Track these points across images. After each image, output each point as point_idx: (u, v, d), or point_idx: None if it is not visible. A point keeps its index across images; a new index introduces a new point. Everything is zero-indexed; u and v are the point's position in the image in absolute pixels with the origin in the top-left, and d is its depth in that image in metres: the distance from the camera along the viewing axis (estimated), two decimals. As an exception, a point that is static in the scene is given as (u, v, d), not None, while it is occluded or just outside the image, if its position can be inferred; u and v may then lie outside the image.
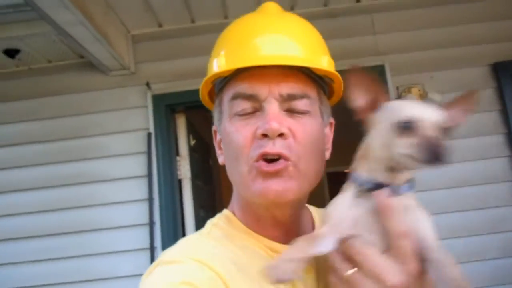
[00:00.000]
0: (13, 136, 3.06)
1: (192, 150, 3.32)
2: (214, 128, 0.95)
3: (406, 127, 0.71)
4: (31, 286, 2.86)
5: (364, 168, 0.77)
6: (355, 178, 0.78)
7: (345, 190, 0.79)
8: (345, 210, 0.75)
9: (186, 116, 3.26)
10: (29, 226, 2.93)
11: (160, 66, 3.12)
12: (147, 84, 3.03)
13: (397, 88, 3.00)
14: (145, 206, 2.91)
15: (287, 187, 0.81)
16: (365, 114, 0.78)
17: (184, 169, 3.13)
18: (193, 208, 3.14)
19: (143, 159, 2.98)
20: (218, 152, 0.94)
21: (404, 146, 0.71)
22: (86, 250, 2.88)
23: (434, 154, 0.68)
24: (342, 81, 0.90)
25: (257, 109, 0.83)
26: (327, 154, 0.93)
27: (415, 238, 0.70)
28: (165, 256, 0.80)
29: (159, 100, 3.06)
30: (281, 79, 0.83)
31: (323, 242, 0.73)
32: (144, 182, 2.95)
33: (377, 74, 3.01)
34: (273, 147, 0.80)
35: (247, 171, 0.82)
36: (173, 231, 2.93)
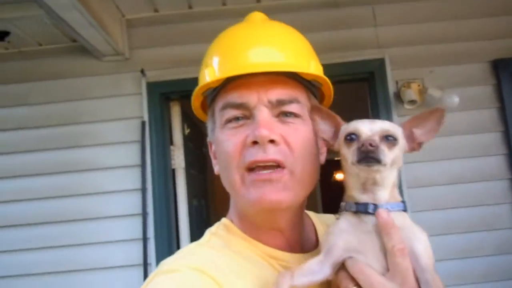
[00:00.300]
0: (2, 120, 2.96)
1: (186, 139, 3.26)
2: (208, 139, 0.97)
3: (351, 139, 0.78)
4: (21, 275, 2.81)
5: (348, 194, 0.81)
6: (343, 206, 0.81)
7: (338, 219, 0.81)
8: (336, 236, 0.78)
9: (181, 104, 3.20)
10: (18, 214, 2.87)
11: (156, 52, 3.04)
12: (142, 71, 2.95)
13: (397, 82, 2.97)
14: (138, 196, 2.86)
15: (281, 196, 0.81)
16: (334, 142, 0.84)
17: (178, 159, 3.08)
18: (187, 198, 3.10)
19: (136, 148, 2.92)
20: (214, 162, 0.95)
21: (350, 154, 0.77)
22: (78, 239, 2.83)
23: (365, 153, 0.74)
24: (330, 84, 0.92)
25: (248, 117, 0.84)
26: (322, 159, 0.93)
27: (411, 256, 0.72)
28: (164, 265, 0.80)
29: (154, 87, 2.99)
30: (269, 86, 0.84)
31: (320, 270, 0.76)
32: (137, 172, 2.89)
33: (377, 68, 2.97)
34: (265, 154, 0.80)
35: (239, 180, 0.83)
36: (167, 222, 2.89)
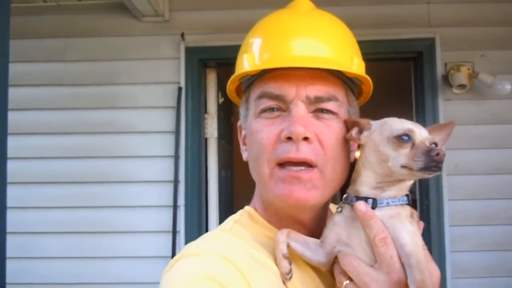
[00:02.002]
0: (38, 75, 2.91)
1: (219, 108, 3.19)
2: (239, 123, 0.95)
3: (404, 140, 0.76)
4: (51, 232, 2.82)
5: (353, 188, 0.82)
6: (345, 198, 0.82)
7: (339, 211, 0.82)
8: (329, 230, 0.81)
9: (217, 72, 3.11)
10: (53, 171, 2.85)
11: (196, 16, 2.94)
12: (182, 35, 2.85)
13: (445, 64, 2.83)
14: (170, 163, 2.82)
15: (310, 196, 0.81)
16: (358, 139, 0.83)
17: (211, 128, 3.02)
18: (217, 168, 3.06)
19: (171, 113, 2.86)
20: (242, 147, 0.95)
21: (403, 157, 0.75)
22: (108, 201, 2.81)
23: (433, 161, 0.73)
24: (371, 82, 0.89)
25: (283, 109, 0.83)
26: (352, 156, 0.91)
27: (397, 245, 0.73)
28: (188, 249, 0.81)
29: (193, 53, 2.90)
30: (309, 81, 0.82)
31: (315, 251, 0.81)
32: (170, 138, 2.84)
33: (426, 47, 2.83)
34: (297, 152, 0.79)
35: (269, 174, 0.82)
36: (197, 191, 2.86)
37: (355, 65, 0.86)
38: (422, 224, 0.80)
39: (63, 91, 2.89)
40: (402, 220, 0.76)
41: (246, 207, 0.94)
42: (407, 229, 0.75)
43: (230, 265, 0.75)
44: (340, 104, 0.85)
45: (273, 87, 0.83)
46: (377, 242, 0.73)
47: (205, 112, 3.00)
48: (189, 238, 2.78)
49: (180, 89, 2.86)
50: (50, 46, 2.92)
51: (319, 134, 0.81)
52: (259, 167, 0.84)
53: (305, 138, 0.79)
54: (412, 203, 0.82)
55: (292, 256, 0.81)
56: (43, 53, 2.92)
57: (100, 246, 2.81)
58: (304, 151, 0.79)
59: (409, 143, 0.76)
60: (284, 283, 0.78)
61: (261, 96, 0.84)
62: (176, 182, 2.80)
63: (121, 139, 2.86)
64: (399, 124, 0.79)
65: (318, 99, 0.82)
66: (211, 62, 3.01)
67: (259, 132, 0.84)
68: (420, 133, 0.78)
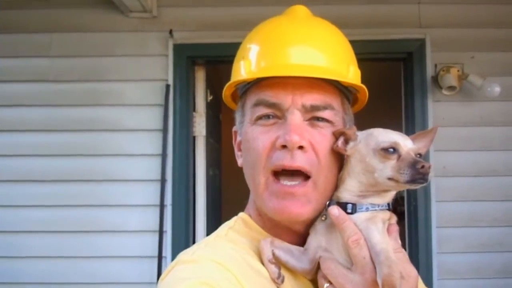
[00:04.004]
0: (22, 71, 2.84)
1: (208, 106, 3.16)
2: (234, 129, 0.96)
3: (389, 152, 0.77)
4: (35, 231, 2.77)
5: (335, 195, 0.83)
6: (327, 205, 0.82)
7: (322, 219, 0.84)
8: (310, 237, 0.83)
9: (206, 70, 3.07)
10: (37, 169, 2.79)
11: (184, 12, 2.89)
12: (170, 32, 2.80)
13: (435, 66, 2.82)
14: (157, 162, 2.78)
15: (303, 211, 0.81)
16: (344, 150, 0.83)
17: (199, 126, 2.98)
18: (205, 167, 3.03)
19: (158, 111, 2.81)
20: (237, 153, 0.95)
21: (389, 169, 0.77)
22: (94, 200, 2.76)
23: (418, 174, 0.74)
24: (367, 91, 0.90)
25: (279, 117, 0.83)
26: None
27: (368, 245, 0.74)
28: (183, 256, 0.81)
29: (181, 50, 2.85)
30: (305, 89, 0.82)
31: (299, 258, 0.82)
32: (158, 136, 2.80)
33: (416, 48, 2.82)
34: (292, 160, 0.79)
35: (264, 184, 0.83)
36: (185, 190, 2.82)
37: (351, 74, 0.87)
38: (394, 227, 0.80)
39: (48, 87, 2.83)
40: (376, 222, 0.77)
41: (240, 214, 0.94)
42: (379, 229, 0.76)
43: (226, 271, 0.76)
44: (336, 113, 0.86)
45: (269, 95, 0.83)
46: (350, 244, 0.75)
47: (194, 110, 2.96)
48: (176, 238, 2.75)
49: (168, 86, 2.81)
50: (35, 41, 2.85)
51: (314, 143, 0.81)
52: (255, 176, 0.84)
53: (300, 147, 0.80)
54: (394, 209, 0.83)
55: (284, 265, 0.83)
56: (28, 48, 2.85)
57: (86, 246, 2.76)
58: (298, 160, 0.80)
59: (395, 155, 0.77)
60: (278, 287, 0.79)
61: (257, 104, 0.85)
62: (163, 181, 2.76)
63: (108, 137, 2.81)
64: (384, 136, 0.80)
65: (314, 108, 0.83)
66: (200, 60, 2.97)
67: (255, 140, 0.84)
68: (406, 144, 0.78)
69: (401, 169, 0.75)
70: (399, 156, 0.77)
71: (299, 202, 0.81)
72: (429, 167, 0.74)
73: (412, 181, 0.75)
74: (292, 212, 0.81)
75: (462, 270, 2.74)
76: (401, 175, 0.75)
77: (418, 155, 0.78)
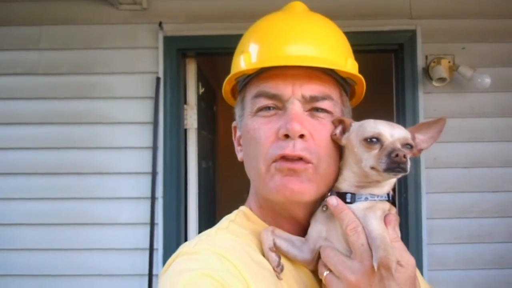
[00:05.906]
0: (11, 64, 2.83)
1: (200, 99, 3.15)
2: (234, 124, 0.97)
3: (372, 142, 0.79)
4: (27, 224, 2.77)
5: (335, 186, 0.85)
6: (327, 195, 0.84)
7: (323, 210, 0.85)
8: (311, 227, 0.84)
9: (197, 62, 3.06)
10: (28, 161, 2.78)
11: (175, 4, 2.87)
12: (160, 24, 2.79)
13: (426, 57, 2.81)
14: (148, 154, 2.78)
15: (304, 188, 0.82)
16: (340, 140, 0.85)
17: (190, 119, 2.98)
18: (197, 160, 3.03)
19: (149, 104, 2.80)
20: (237, 148, 0.96)
21: (372, 158, 0.78)
22: (84, 193, 2.76)
23: (394, 162, 0.75)
24: (364, 83, 0.92)
25: (280, 108, 0.85)
26: None
27: (366, 232, 0.76)
28: (185, 248, 0.82)
29: (171, 42, 2.84)
30: (305, 80, 0.84)
31: (300, 248, 0.84)
32: (149, 129, 2.80)
33: (407, 40, 2.81)
34: (293, 149, 0.81)
35: (265, 170, 0.84)
36: (176, 183, 2.82)
37: (349, 65, 0.89)
38: (393, 217, 0.80)
39: (38, 80, 2.82)
40: (375, 210, 0.78)
41: (241, 207, 0.95)
42: (376, 217, 0.77)
43: (228, 263, 0.77)
44: (335, 104, 0.87)
45: (270, 87, 0.85)
46: (349, 232, 0.76)
47: (185, 102, 2.96)
48: (167, 230, 2.76)
49: (158, 79, 2.80)
50: (23, 34, 2.83)
51: (314, 133, 0.83)
52: (256, 164, 0.85)
53: (301, 136, 0.81)
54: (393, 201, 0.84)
55: (285, 254, 0.84)
56: (17, 41, 2.83)
57: (77, 238, 2.77)
58: (299, 148, 0.81)
59: (378, 145, 0.79)
60: (278, 276, 0.81)
61: (258, 95, 0.86)
62: (154, 173, 2.77)
63: (98, 130, 2.80)
64: (371, 127, 0.81)
65: (313, 98, 0.84)
66: (190, 52, 2.96)
67: (256, 130, 0.85)
68: (392, 134, 0.79)
69: (380, 158, 0.77)
70: (382, 145, 0.78)
71: (300, 179, 0.82)
72: (404, 156, 0.75)
73: (389, 169, 0.76)
74: (294, 188, 0.82)
75: (452, 261, 2.76)
76: (379, 164, 0.77)
77: (408, 145, 0.80)
